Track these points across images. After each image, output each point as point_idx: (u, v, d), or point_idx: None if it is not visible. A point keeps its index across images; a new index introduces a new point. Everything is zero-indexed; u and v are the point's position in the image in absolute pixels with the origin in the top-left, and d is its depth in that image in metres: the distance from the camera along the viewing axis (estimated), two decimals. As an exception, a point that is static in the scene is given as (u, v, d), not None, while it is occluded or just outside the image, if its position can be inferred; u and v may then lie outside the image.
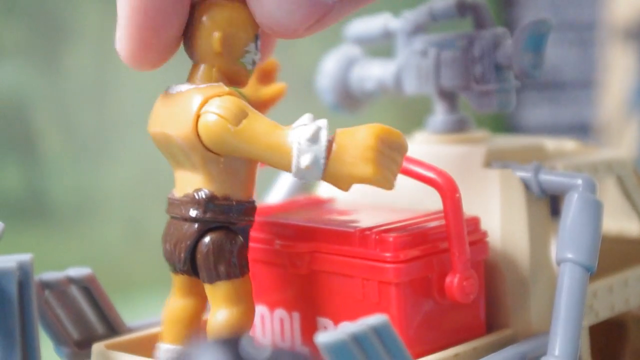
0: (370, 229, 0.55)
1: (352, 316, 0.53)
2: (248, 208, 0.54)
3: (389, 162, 0.50)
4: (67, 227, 1.15)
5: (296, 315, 0.59)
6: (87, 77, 1.14)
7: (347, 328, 0.45)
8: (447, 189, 0.55)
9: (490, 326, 0.60)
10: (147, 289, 1.14)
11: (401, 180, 0.62)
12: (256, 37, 0.55)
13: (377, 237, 0.55)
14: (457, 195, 0.55)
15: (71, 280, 0.60)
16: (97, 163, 1.17)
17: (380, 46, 0.73)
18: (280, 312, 0.60)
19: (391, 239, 0.54)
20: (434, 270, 0.55)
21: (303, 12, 0.52)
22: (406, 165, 0.55)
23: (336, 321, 0.56)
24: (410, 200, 0.63)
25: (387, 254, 0.54)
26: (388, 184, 0.51)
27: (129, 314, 0.66)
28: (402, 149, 0.51)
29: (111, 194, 1.18)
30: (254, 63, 0.55)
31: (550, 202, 0.63)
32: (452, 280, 0.55)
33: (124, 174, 1.18)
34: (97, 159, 1.17)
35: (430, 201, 0.60)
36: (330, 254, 0.56)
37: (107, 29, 1.17)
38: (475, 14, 0.66)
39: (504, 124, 1.41)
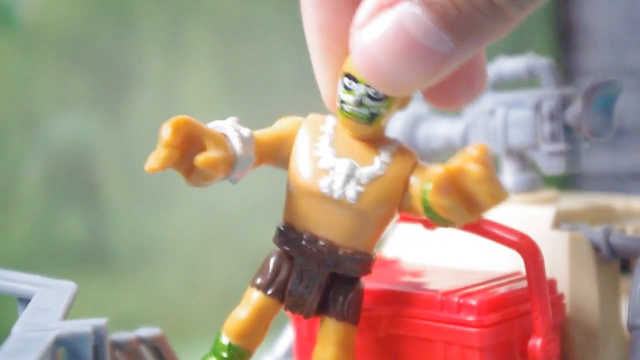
0: (452, 292, 0.56)
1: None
2: None
3: None
4: (129, 274, 1.16)
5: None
6: (150, 125, 1.15)
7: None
8: (530, 252, 0.54)
9: (564, 391, 0.60)
10: (209, 335, 1.14)
11: (464, 241, 0.62)
12: (344, 75, 0.53)
13: (460, 300, 0.55)
14: (540, 258, 0.54)
15: (141, 341, 0.61)
16: (159, 210, 1.18)
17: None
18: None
19: (475, 303, 0.54)
20: (516, 334, 0.55)
21: (419, 66, 0.48)
22: (486, 227, 0.56)
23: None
24: (474, 262, 0.63)
25: (471, 318, 0.54)
26: None
27: (192, 360, 0.66)
28: None
29: (173, 241, 1.19)
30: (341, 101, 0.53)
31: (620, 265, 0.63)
32: (535, 344, 0.55)
33: (186, 220, 1.19)
34: (159, 206, 1.18)
35: (496, 262, 0.61)
36: (410, 317, 0.56)
37: (169, 77, 1.19)
38: (544, 73, 0.66)
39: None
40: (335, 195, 0.53)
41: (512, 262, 0.58)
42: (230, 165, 0.52)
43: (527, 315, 0.55)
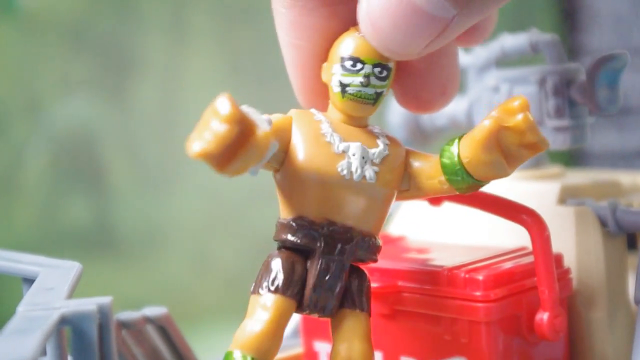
0: (458, 267, 0.56)
1: (439, 355, 0.53)
2: None
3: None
4: (135, 258, 1.16)
5: (379, 355, 0.59)
6: (154, 110, 1.15)
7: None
8: (537, 227, 0.54)
9: (570, 365, 0.60)
10: (215, 319, 1.14)
11: (470, 218, 0.62)
12: (342, 59, 0.53)
13: (466, 276, 0.55)
14: (547, 233, 0.54)
15: (147, 320, 0.61)
16: (165, 195, 1.18)
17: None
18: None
19: (481, 278, 0.54)
20: (523, 309, 0.55)
21: (423, 31, 0.49)
22: (492, 203, 0.56)
23: (422, 360, 0.56)
24: (480, 238, 0.63)
25: (477, 293, 0.54)
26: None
27: (197, 345, 0.66)
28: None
29: (178, 225, 1.19)
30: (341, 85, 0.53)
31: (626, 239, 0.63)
32: (542, 318, 0.55)
33: (191, 205, 1.19)
34: (164, 191, 1.18)
35: (502, 238, 0.60)
36: (417, 293, 0.56)
37: (172, 61, 1.19)
38: (548, 49, 0.66)
39: (569, 150, 1.40)
40: (355, 177, 0.52)
41: (517, 238, 0.58)
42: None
43: (533, 289, 0.55)
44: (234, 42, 1.21)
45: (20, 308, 0.46)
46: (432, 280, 0.55)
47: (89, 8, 1.13)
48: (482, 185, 0.52)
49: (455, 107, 0.71)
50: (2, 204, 1.08)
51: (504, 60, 0.69)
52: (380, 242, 0.54)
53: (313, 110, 0.54)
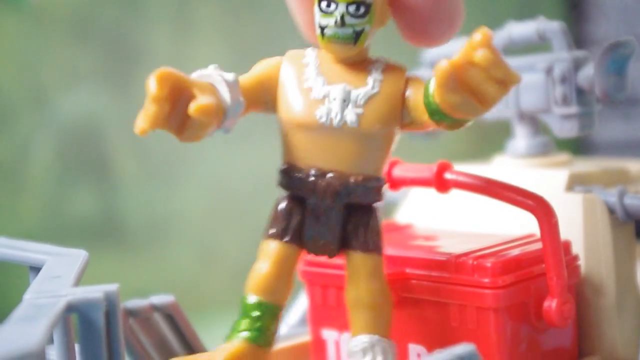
0: (466, 254, 0.55)
1: (447, 342, 0.53)
2: None
3: None
4: (141, 250, 1.16)
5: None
6: (160, 101, 1.15)
7: (436, 358, 0.45)
8: (544, 213, 0.54)
9: (578, 352, 0.59)
10: (221, 310, 1.14)
11: (477, 205, 0.62)
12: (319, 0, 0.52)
13: (474, 262, 0.54)
14: (555, 219, 0.54)
15: (155, 308, 0.61)
16: (170, 185, 1.18)
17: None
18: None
19: (489, 265, 0.54)
20: (531, 295, 0.55)
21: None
22: (500, 190, 0.55)
23: (430, 348, 0.56)
24: (488, 226, 0.63)
25: (486, 280, 0.54)
26: None
27: (204, 335, 0.66)
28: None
29: (184, 216, 1.19)
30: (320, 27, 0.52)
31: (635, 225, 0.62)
32: (551, 305, 0.55)
33: (197, 195, 1.19)
34: (170, 181, 1.18)
35: (509, 226, 0.60)
36: (424, 280, 0.55)
37: (178, 52, 1.19)
38: (555, 37, 0.65)
39: (576, 141, 1.39)
40: (335, 122, 0.52)
41: (525, 225, 0.58)
42: (222, 112, 0.50)
43: (542, 276, 0.55)
44: (240, 34, 1.21)
45: (27, 296, 0.46)
46: (440, 268, 0.55)
47: (95, 0, 1.13)
48: (467, 122, 0.50)
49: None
50: (8, 195, 1.08)
51: (511, 49, 0.69)
52: (381, 182, 0.53)
53: (308, 50, 0.54)
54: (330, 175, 0.52)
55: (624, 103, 0.63)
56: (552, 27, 0.66)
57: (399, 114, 0.52)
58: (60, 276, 0.50)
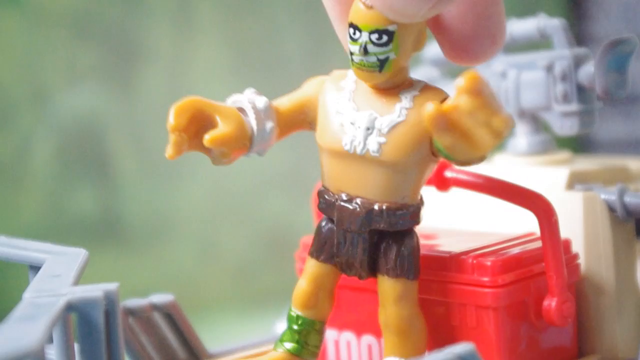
0: (465, 253, 0.55)
1: (447, 341, 0.53)
2: None
3: None
4: (142, 248, 1.16)
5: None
6: (161, 100, 1.15)
7: (435, 357, 0.45)
8: (544, 211, 0.54)
9: (578, 351, 0.59)
10: (222, 308, 1.14)
11: (477, 203, 0.62)
12: (349, 26, 0.51)
13: (474, 261, 0.54)
14: (555, 217, 0.54)
15: (154, 307, 0.61)
16: (172, 184, 1.18)
17: (458, 68, 0.72)
18: (368, 338, 0.60)
19: (489, 263, 0.54)
20: (531, 294, 0.55)
21: None
22: (500, 188, 0.55)
23: (429, 346, 0.56)
24: (488, 224, 0.63)
25: (485, 279, 0.54)
26: None
27: (204, 334, 0.66)
28: None
29: (185, 214, 1.19)
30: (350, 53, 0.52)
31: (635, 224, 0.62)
32: (550, 304, 0.55)
33: (198, 194, 1.19)
34: (171, 181, 1.18)
35: (509, 224, 0.60)
36: (424, 279, 0.55)
37: (179, 50, 1.19)
38: (555, 34, 0.65)
39: (576, 139, 1.39)
40: (358, 150, 0.52)
41: (525, 224, 0.58)
42: (247, 139, 0.51)
43: (541, 275, 0.55)
44: (241, 32, 1.21)
45: (27, 295, 0.46)
46: (440, 266, 0.55)
47: (95, -3, 1.13)
48: (474, 162, 0.49)
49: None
50: (8, 193, 1.08)
51: (511, 46, 0.69)
52: (412, 207, 0.52)
53: (350, 72, 0.53)
54: (357, 201, 0.52)
55: (624, 101, 0.63)
56: (552, 24, 0.66)
57: (427, 142, 0.51)
58: (60, 275, 0.50)
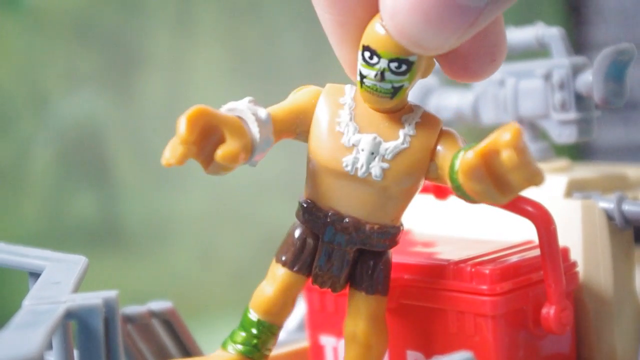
0: (464, 261, 0.55)
1: (445, 349, 0.53)
2: None
3: None
4: (141, 252, 1.16)
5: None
6: (161, 104, 1.15)
7: (434, 365, 0.45)
8: (543, 220, 0.54)
9: (577, 359, 0.59)
10: (221, 313, 1.14)
11: (476, 211, 0.62)
12: (363, 48, 0.51)
13: (472, 269, 0.55)
14: (553, 226, 0.54)
15: (153, 314, 0.61)
16: (170, 188, 1.18)
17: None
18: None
19: (487, 272, 0.54)
20: (529, 302, 0.55)
21: (454, 23, 0.47)
22: None
23: (428, 354, 0.56)
24: (486, 232, 0.63)
25: (484, 287, 0.54)
26: None
27: (204, 340, 0.66)
28: None
29: (184, 218, 1.19)
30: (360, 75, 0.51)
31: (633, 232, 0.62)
32: (549, 312, 0.55)
33: (197, 199, 1.19)
34: (170, 185, 1.18)
35: (508, 232, 0.60)
36: (423, 287, 0.56)
37: (178, 55, 1.19)
38: (553, 42, 0.66)
39: (575, 145, 1.39)
40: (360, 173, 0.51)
41: (523, 231, 0.58)
42: (249, 151, 0.51)
43: (540, 283, 0.55)
44: (240, 37, 1.21)
45: (26, 302, 0.46)
46: (438, 274, 0.55)
47: (95, 2, 1.13)
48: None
49: (460, 101, 0.71)
50: (8, 198, 1.08)
51: (510, 54, 0.69)
52: (400, 228, 0.53)
53: (347, 88, 0.53)
54: (346, 220, 0.52)
55: (623, 108, 0.63)
56: (550, 33, 0.66)
57: (425, 168, 0.52)
58: (60, 282, 0.50)
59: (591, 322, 0.59)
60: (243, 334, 0.54)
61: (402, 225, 0.54)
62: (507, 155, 0.46)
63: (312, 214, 0.53)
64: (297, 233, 0.54)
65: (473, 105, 0.69)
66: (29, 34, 1.09)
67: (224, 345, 0.55)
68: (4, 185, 1.08)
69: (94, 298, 0.47)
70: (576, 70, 0.63)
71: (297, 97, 0.54)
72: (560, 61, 0.64)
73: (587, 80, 0.63)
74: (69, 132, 1.12)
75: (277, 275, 0.54)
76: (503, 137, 0.46)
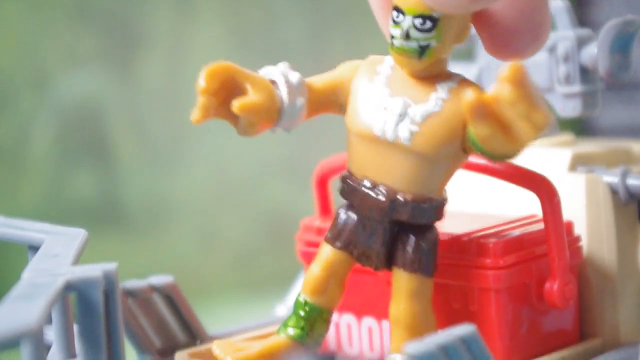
0: (467, 235, 0.55)
1: (448, 323, 0.52)
2: None
3: None
4: (142, 232, 1.16)
5: (386, 324, 0.58)
6: (161, 83, 1.15)
7: (436, 339, 0.44)
8: (547, 193, 0.54)
9: (579, 334, 0.59)
10: (222, 293, 1.14)
11: (479, 185, 0.61)
12: (393, 9, 0.50)
13: (475, 243, 0.54)
14: (557, 199, 0.54)
15: (154, 289, 0.61)
16: (171, 168, 1.18)
17: (460, 49, 0.72)
18: (368, 321, 0.60)
19: (490, 245, 0.54)
20: (533, 276, 0.55)
21: None
22: (503, 170, 0.55)
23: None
24: (489, 206, 0.62)
25: (487, 260, 0.53)
26: None
27: (205, 318, 0.66)
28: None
29: (186, 199, 1.19)
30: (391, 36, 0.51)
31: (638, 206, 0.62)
32: (552, 286, 0.54)
33: (198, 178, 1.19)
34: (171, 165, 1.17)
35: (511, 206, 0.60)
36: None
37: (179, 35, 1.18)
38: (558, 15, 0.65)
39: (578, 124, 1.39)
40: (389, 136, 0.50)
41: (527, 205, 0.58)
42: (276, 112, 0.50)
43: (543, 257, 0.55)
44: (241, 17, 1.21)
45: (25, 274, 0.46)
46: (441, 248, 0.55)
47: (95, -20, 1.13)
48: (506, 157, 0.49)
49: (464, 74, 0.70)
50: (8, 178, 1.08)
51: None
52: (441, 201, 0.52)
53: (387, 58, 0.52)
54: (381, 189, 0.51)
55: (627, 87, 0.63)
56: (555, 5, 0.66)
57: (460, 137, 0.50)
58: (59, 255, 0.49)
59: (594, 297, 0.59)
60: (293, 317, 0.54)
61: (444, 199, 0.52)
62: (505, 89, 0.45)
63: (349, 184, 0.52)
64: (341, 209, 0.54)
65: (477, 78, 0.69)
66: (29, 13, 1.09)
67: (278, 331, 0.54)
68: (3, 164, 1.08)
69: (93, 270, 0.47)
70: (581, 43, 0.63)
71: (338, 70, 0.54)
72: (565, 33, 0.64)
73: (592, 52, 0.62)
74: (69, 111, 1.12)
75: (322, 253, 0.54)
76: (501, 73, 0.46)
